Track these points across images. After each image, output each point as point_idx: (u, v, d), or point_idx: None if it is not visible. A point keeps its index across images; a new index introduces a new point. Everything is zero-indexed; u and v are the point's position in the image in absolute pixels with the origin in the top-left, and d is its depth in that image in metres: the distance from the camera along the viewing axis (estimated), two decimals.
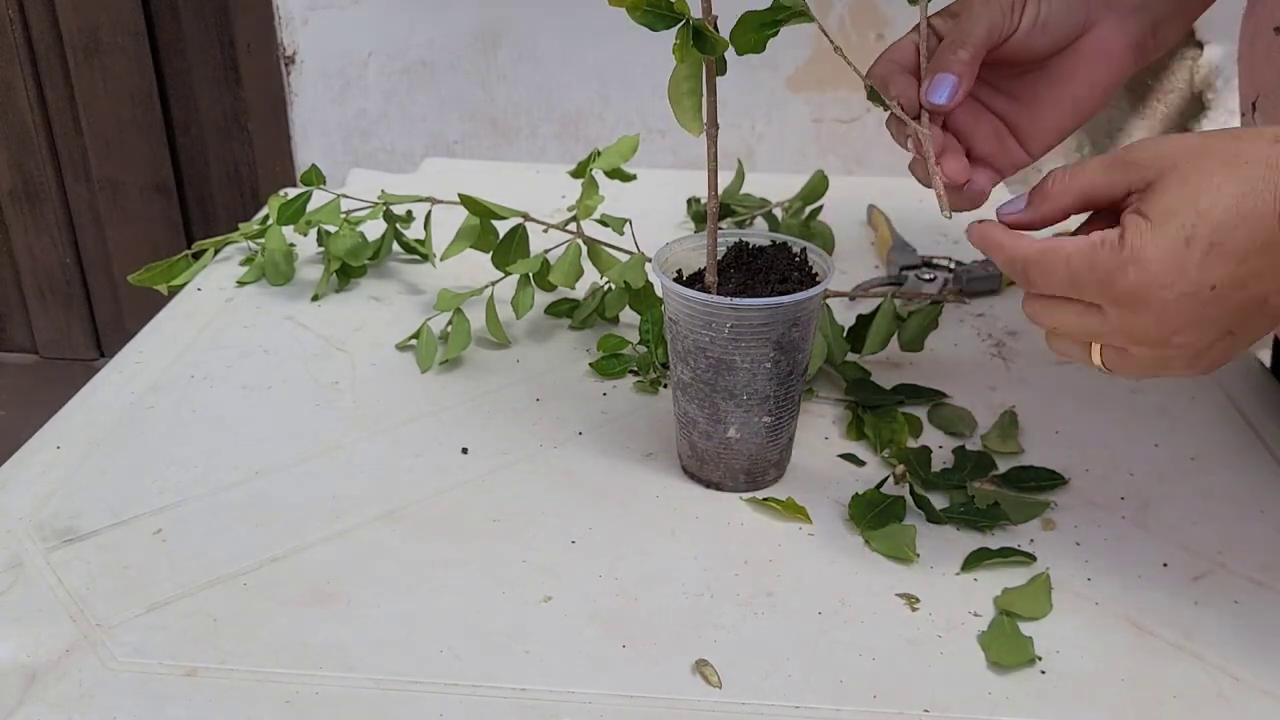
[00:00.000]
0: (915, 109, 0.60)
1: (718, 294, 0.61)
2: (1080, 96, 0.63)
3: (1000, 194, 1.05)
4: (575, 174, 0.86)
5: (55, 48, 1.79)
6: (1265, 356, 0.82)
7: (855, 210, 1.02)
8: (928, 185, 0.61)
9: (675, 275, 0.64)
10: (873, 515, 0.62)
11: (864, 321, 0.76)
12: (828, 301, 0.76)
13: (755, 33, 0.57)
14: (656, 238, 0.70)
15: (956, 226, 1.00)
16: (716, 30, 0.55)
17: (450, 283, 0.88)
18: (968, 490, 0.65)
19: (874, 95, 0.61)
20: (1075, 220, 0.55)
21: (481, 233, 0.81)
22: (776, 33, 0.58)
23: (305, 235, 0.92)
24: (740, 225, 0.95)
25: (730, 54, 0.57)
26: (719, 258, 0.63)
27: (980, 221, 0.56)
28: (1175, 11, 0.63)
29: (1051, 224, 0.55)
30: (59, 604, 0.56)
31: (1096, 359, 0.53)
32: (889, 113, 0.61)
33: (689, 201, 1.02)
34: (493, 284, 0.82)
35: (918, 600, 0.57)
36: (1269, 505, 0.65)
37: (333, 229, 0.88)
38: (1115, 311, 0.50)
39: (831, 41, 0.62)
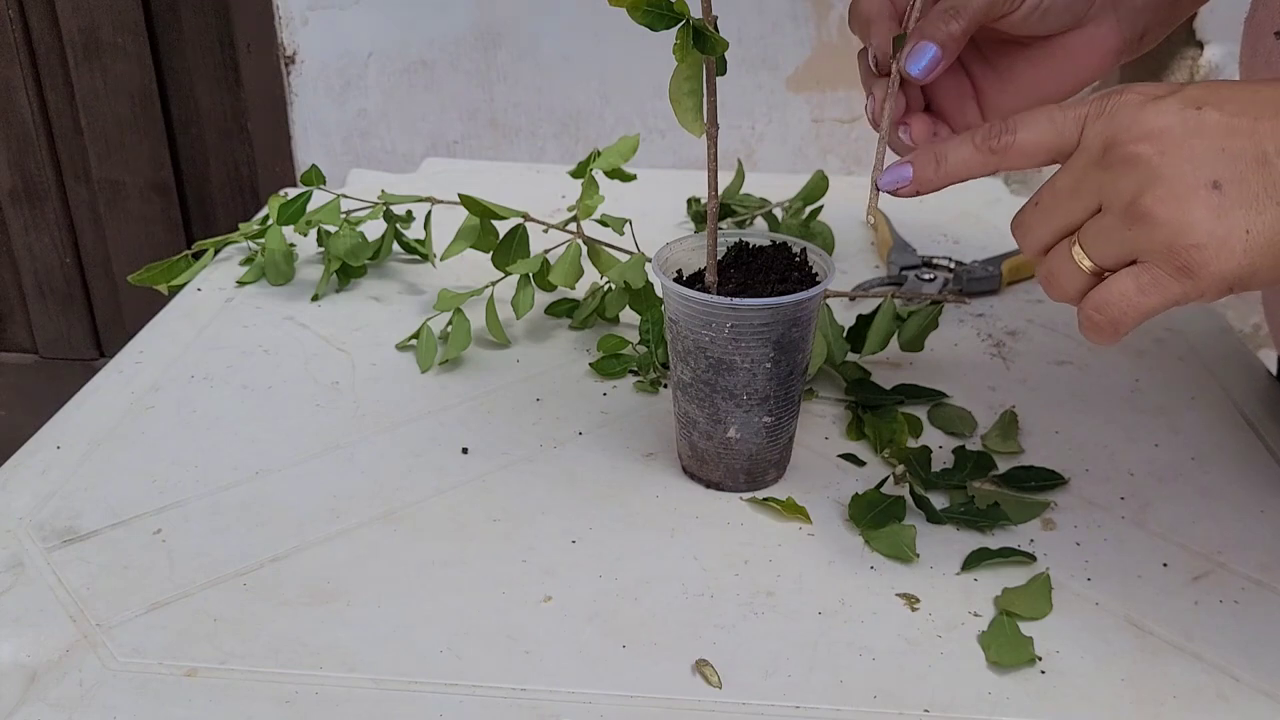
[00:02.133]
0: (885, 68, 0.59)
1: (718, 294, 0.61)
2: (1054, 86, 0.62)
3: (994, 190, 1.04)
4: (575, 174, 0.86)
5: (55, 48, 1.79)
6: (1271, 364, 0.82)
7: (855, 210, 1.02)
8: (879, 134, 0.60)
9: (675, 275, 0.64)
10: (873, 515, 0.62)
11: (864, 321, 0.76)
12: (828, 301, 0.76)
13: None
14: (656, 238, 0.70)
15: (958, 227, 1.00)
16: (716, 30, 0.55)
17: (450, 283, 0.88)
18: (968, 490, 0.65)
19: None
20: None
21: (481, 233, 0.81)
22: None
23: (305, 235, 0.92)
24: (740, 225, 0.95)
25: (730, 54, 0.57)
26: (719, 258, 0.63)
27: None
28: (1163, 21, 0.63)
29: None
30: (59, 604, 0.56)
31: (1080, 256, 0.50)
32: (861, 51, 0.60)
33: (689, 201, 1.02)
34: (493, 284, 0.82)
35: (918, 600, 0.57)
36: (1269, 505, 0.65)
37: (333, 229, 0.88)
38: (1093, 126, 0.49)
39: None
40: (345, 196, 0.91)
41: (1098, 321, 0.49)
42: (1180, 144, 0.46)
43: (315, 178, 0.91)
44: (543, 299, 0.85)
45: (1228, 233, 0.45)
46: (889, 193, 0.56)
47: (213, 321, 0.84)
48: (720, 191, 0.83)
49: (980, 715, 0.50)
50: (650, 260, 0.66)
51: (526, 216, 0.82)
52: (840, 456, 0.68)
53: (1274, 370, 0.80)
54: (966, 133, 0.53)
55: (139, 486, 0.65)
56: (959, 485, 0.65)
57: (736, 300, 0.59)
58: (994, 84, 0.62)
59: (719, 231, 0.62)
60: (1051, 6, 0.59)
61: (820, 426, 0.71)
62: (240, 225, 0.95)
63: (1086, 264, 0.49)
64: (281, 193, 0.95)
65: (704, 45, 0.55)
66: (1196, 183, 0.45)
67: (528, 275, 0.81)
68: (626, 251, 0.82)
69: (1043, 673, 0.53)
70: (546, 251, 0.83)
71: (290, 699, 0.51)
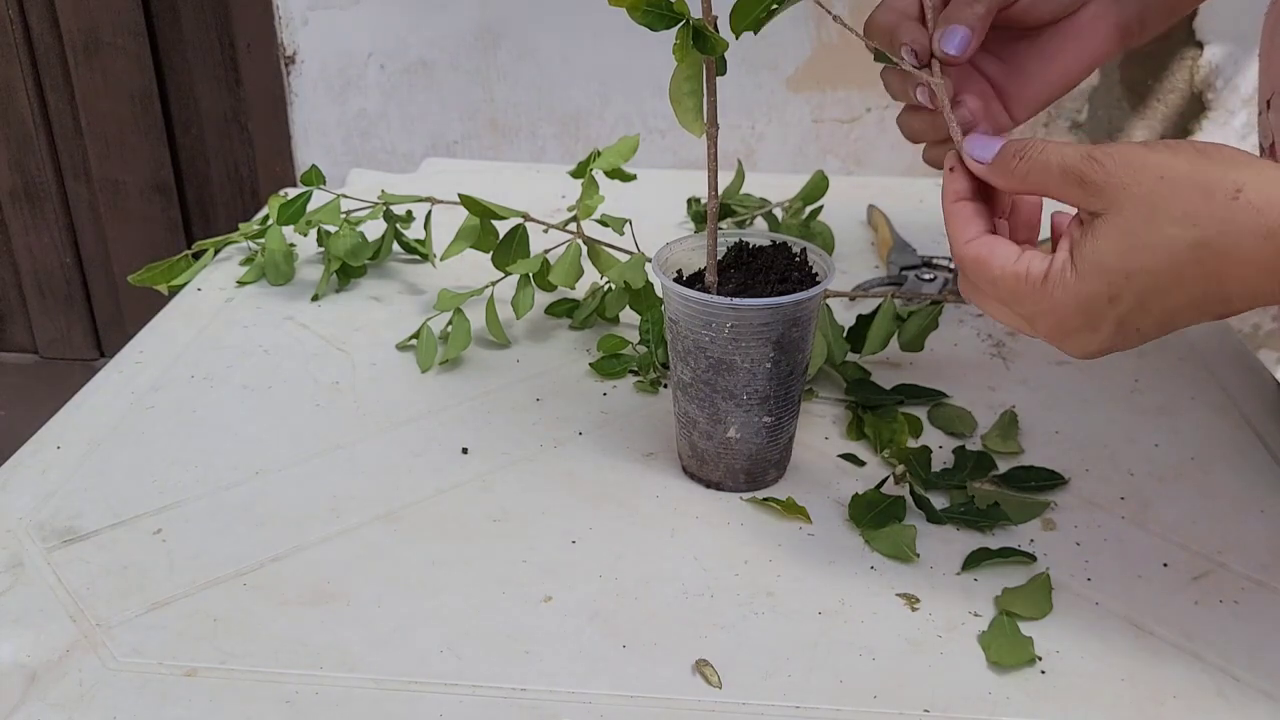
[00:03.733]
0: (926, 57, 0.59)
1: (718, 294, 0.61)
2: (1065, 70, 0.63)
3: None
4: (575, 174, 0.86)
5: (55, 48, 1.79)
6: (1271, 364, 0.82)
7: (855, 210, 1.02)
8: (915, 141, 0.61)
9: (675, 275, 0.64)
10: (873, 515, 0.62)
11: (864, 321, 0.76)
12: (828, 301, 0.76)
13: (754, 9, 0.56)
14: (656, 238, 0.70)
15: None
16: (716, 30, 0.55)
17: (450, 283, 0.88)
18: (968, 490, 0.65)
19: (881, 56, 0.60)
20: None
21: (481, 233, 0.81)
22: (774, 12, 0.57)
23: (305, 235, 0.92)
24: (740, 225, 0.95)
25: (730, 54, 0.57)
26: (719, 258, 0.63)
27: (955, 167, 0.57)
28: (1163, 9, 0.64)
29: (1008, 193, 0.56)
30: (59, 604, 0.56)
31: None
32: (886, 66, 0.60)
33: (689, 201, 1.02)
34: (493, 284, 0.82)
35: (918, 600, 0.57)
36: (1269, 505, 0.65)
37: (333, 229, 0.88)
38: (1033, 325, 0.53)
39: (832, 13, 0.61)
40: (345, 196, 0.91)
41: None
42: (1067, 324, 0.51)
43: (315, 178, 0.91)
44: (543, 299, 0.85)
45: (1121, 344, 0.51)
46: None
47: (213, 321, 0.84)
48: (720, 191, 0.83)
49: (980, 715, 0.50)
50: (650, 260, 0.66)
51: (526, 216, 0.82)
52: (840, 456, 0.68)
53: (1274, 370, 0.80)
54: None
55: (139, 486, 0.65)
56: (959, 485, 0.65)
57: (736, 300, 0.59)
58: (1010, 78, 0.64)
59: (719, 231, 0.62)
60: None
61: (820, 426, 0.72)
62: (240, 225, 0.95)
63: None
64: (281, 193, 0.95)
65: (704, 45, 0.55)
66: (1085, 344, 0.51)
67: (528, 275, 0.81)
68: (626, 251, 0.82)
69: (1043, 673, 0.53)
70: (546, 251, 0.83)
71: (290, 699, 0.51)
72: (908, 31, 0.59)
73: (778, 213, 0.96)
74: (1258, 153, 0.68)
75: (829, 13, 0.62)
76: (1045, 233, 0.58)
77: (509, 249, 0.82)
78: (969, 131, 0.57)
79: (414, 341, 0.79)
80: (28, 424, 0.73)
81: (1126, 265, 0.48)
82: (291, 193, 0.92)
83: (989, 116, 0.64)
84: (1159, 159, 0.48)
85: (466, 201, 0.80)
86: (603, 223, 0.86)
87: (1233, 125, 1.61)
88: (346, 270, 0.89)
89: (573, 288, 0.82)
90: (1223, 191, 0.46)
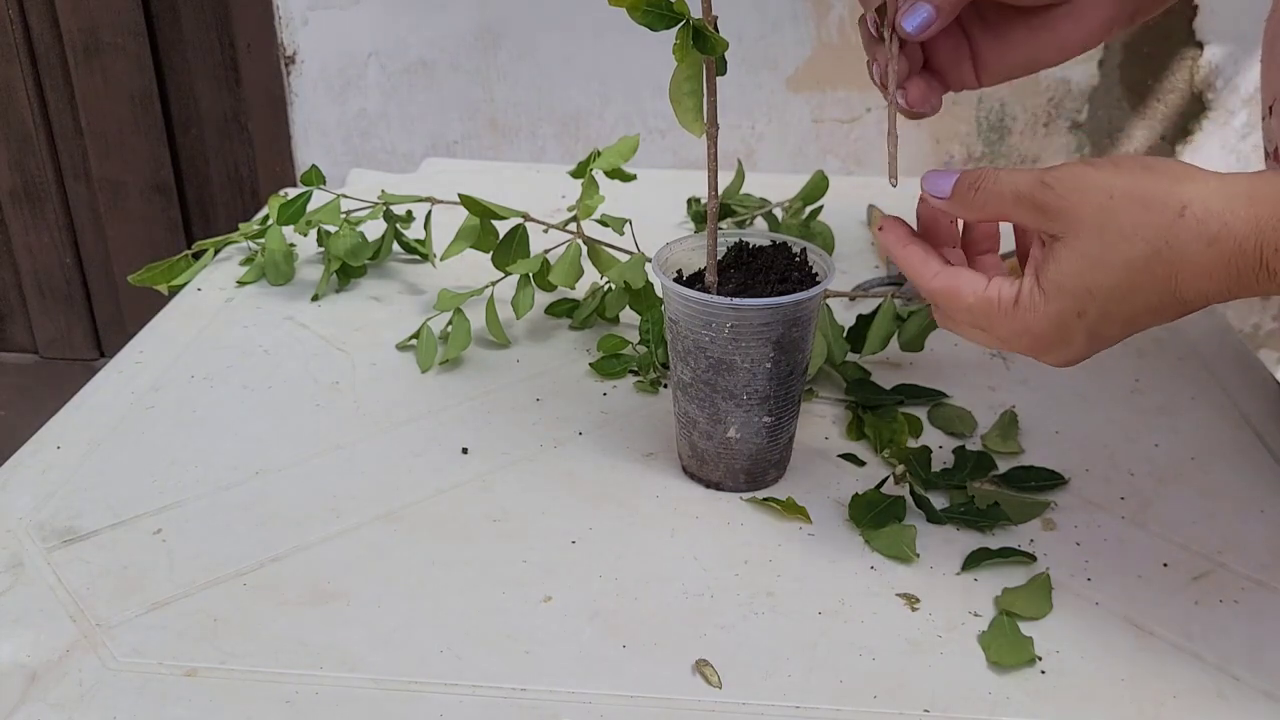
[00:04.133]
0: (889, 18, 0.60)
1: (718, 294, 0.61)
2: (1047, 53, 0.64)
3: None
4: (575, 174, 0.86)
5: (55, 48, 1.79)
6: (1272, 364, 0.82)
7: (855, 210, 1.02)
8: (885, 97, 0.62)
9: (675, 275, 0.64)
10: (873, 515, 0.62)
11: (864, 321, 0.76)
12: (828, 301, 0.76)
13: None
14: (656, 238, 0.70)
15: None
16: (716, 30, 0.55)
17: (450, 283, 0.88)
18: (968, 490, 0.65)
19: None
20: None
21: (481, 233, 0.81)
22: None
23: (305, 235, 0.92)
24: (740, 225, 0.95)
25: (730, 54, 0.57)
26: (719, 258, 0.63)
27: (885, 223, 0.58)
28: (1155, 2, 0.65)
29: (968, 222, 0.58)
30: (59, 604, 0.56)
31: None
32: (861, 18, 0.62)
33: (689, 201, 1.02)
34: (493, 284, 0.82)
35: (918, 600, 0.57)
36: (1269, 505, 0.65)
37: (333, 229, 0.88)
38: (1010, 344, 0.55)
39: None
40: (345, 196, 0.91)
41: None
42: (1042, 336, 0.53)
43: (315, 178, 0.91)
44: (543, 299, 0.85)
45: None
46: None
47: (213, 321, 0.84)
48: (720, 191, 0.83)
49: (980, 715, 0.50)
50: (650, 260, 0.66)
51: (526, 216, 0.82)
52: (840, 456, 0.68)
53: (1274, 370, 0.80)
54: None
55: (139, 486, 0.65)
56: (959, 485, 0.65)
57: (736, 300, 0.59)
58: (991, 47, 0.64)
59: (719, 231, 0.62)
60: None
61: (820, 426, 0.71)
62: (240, 225, 0.95)
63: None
64: (281, 193, 0.95)
65: (704, 45, 0.55)
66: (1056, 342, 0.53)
67: (528, 275, 0.81)
68: (626, 251, 0.82)
69: (1043, 673, 0.53)
70: (546, 251, 0.83)
71: (290, 699, 0.51)
72: None
73: (778, 213, 0.96)
74: (1264, 157, 0.68)
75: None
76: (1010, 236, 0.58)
77: (509, 249, 0.82)
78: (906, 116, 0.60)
79: (414, 341, 0.79)
80: (28, 424, 0.73)
81: (1087, 283, 0.51)
82: (291, 193, 0.92)
83: (957, 76, 0.64)
84: (1104, 178, 0.50)
85: (466, 201, 0.80)
86: (603, 223, 0.86)
87: (1233, 125, 1.61)
88: (346, 270, 0.89)
89: (573, 288, 0.82)
90: (1168, 207, 0.49)
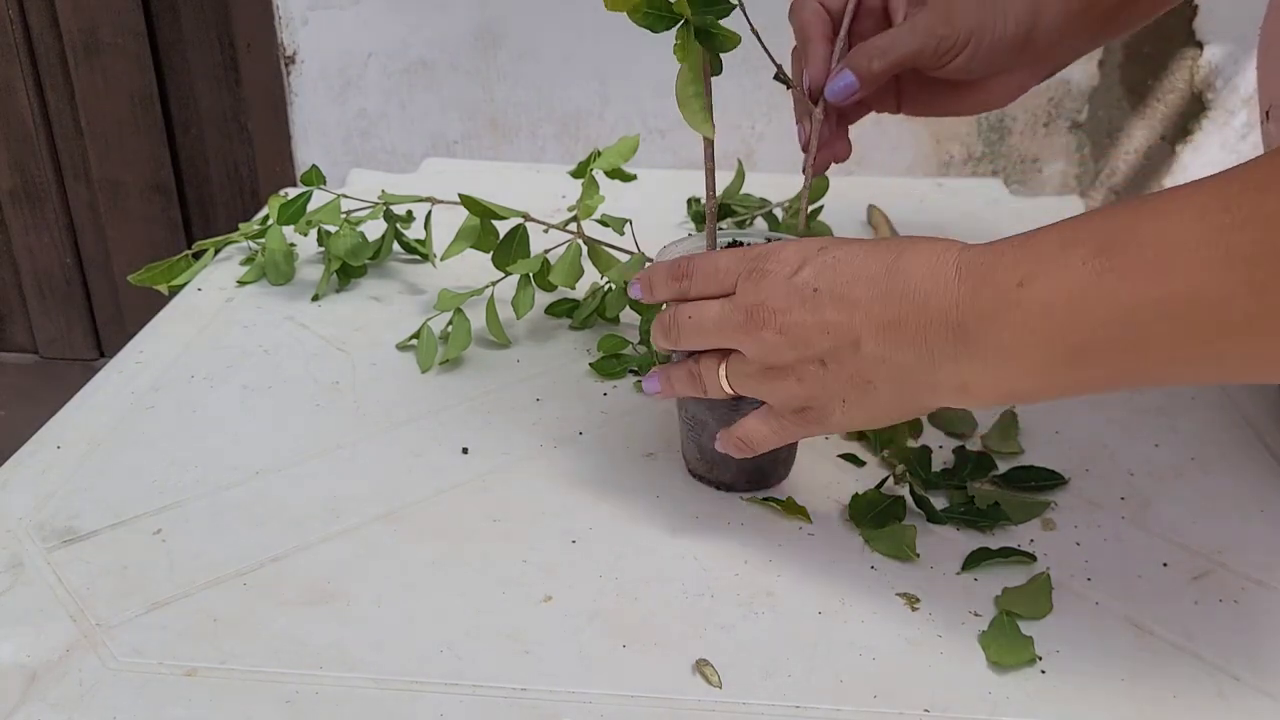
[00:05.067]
0: (816, 95, 0.65)
1: None
2: (969, 107, 0.70)
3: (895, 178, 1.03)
4: (575, 174, 0.86)
5: (55, 48, 1.79)
6: None
7: (855, 210, 1.02)
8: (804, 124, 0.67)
9: None
10: (873, 515, 0.62)
11: None
12: None
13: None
14: (656, 238, 0.70)
15: (958, 227, 1.00)
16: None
17: (450, 283, 0.88)
18: (968, 490, 0.65)
19: (781, 77, 0.65)
20: None
21: (482, 233, 0.81)
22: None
23: (305, 235, 0.92)
24: (740, 225, 0.95)
25: (730, 54, 0.57)
26: None
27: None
28: (1071, 61, 0.70)
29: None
30: (59, 604, 0.56)
31: (723, 377, 0.57)
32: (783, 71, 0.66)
33: (689, 201, 1.02)
34: (493, 284, 0.82)
35: (918, 600, 0.57)
36: (1269, 505, 0.65)
37: (333, 229, 0.88)
38: (743, 286, 0.54)
39: (755, 32, 0.62)
40: (345, 196, 0.91)
41: (739, 446, 0.58)
42: (797, 324, 0.52)
43: (315, 178, 0.91)
44: (543, 299, 0.85)
45: (829, 399, 0.53)
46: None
47: (213, 321, 0.84)
48: (720, 191, 0.83)
49: (980, 715, 0.50)
50: (650, 260, 0.65)
51: (526, 216, 0.82)
52: (840, 456, 0.68)
53: None
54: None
55: (139, 486, 0.65)
56: (959, 485, 0.65)
57: None
58: (917, 91, 0.70)
59: (719, 231, 0.62)
60: (975, 67, 0.65)
61: None
62: (240, 225, 0.95)
63: (729, 390, 0.57)
64: (281, 193, 0.95)
65: (709, 41, 0.55)
66: (807, 356, 0.53)
67: (528, 275, 0.81)
68: (626, 251, 0.82)
69: (1043, 673, 0.53)
70: (547, 251, 0.83)
71: (290, 699, 0.51)
72: (812, 54, 0.65)
73: (778, 213, 0.96)
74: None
75: (775, 64, 0.65)
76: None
77: (509, 249, 0.82)
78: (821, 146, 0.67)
79: (414, 341, 0.79)
80: (28, 424, 0.73)
81: (821, 243, 0.54)
82: (291, 193, 0.92)
83: (880, 104, 0.70)
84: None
85: (466, 201, 0.80)
86: (603, 223, 0.86)
87: (1233, 125, 1.61)
88: (346, 270, 0.89)
89: (573, 288, 0.82)
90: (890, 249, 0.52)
